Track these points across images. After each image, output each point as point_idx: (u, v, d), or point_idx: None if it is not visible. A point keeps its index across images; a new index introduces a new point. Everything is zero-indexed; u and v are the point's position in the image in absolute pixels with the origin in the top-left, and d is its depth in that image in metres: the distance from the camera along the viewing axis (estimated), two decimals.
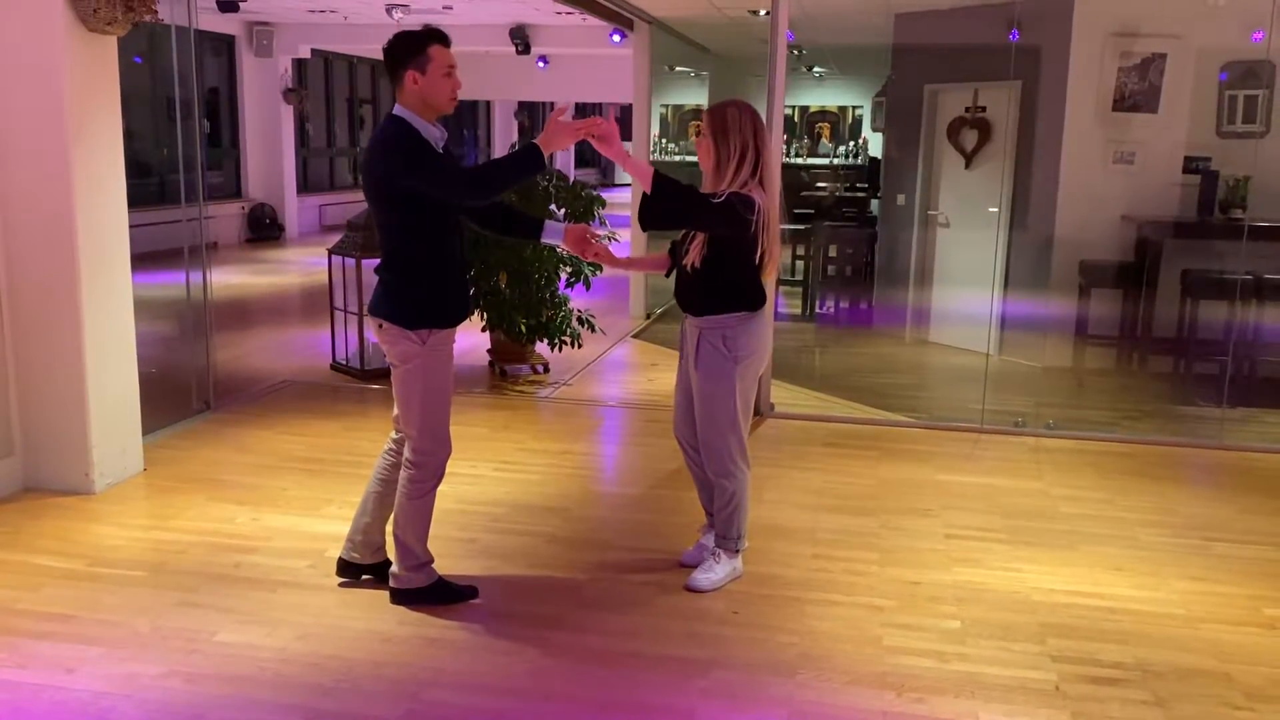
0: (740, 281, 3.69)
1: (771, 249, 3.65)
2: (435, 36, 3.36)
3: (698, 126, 3.49)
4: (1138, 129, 7.21)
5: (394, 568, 3.63)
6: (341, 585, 3.76)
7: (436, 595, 3.63)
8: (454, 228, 3.51)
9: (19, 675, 3.12)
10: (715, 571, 3.83)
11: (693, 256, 3.67)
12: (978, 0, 7.50)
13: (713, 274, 3.66)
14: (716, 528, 3.89)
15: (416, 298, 3.43)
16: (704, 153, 3.68)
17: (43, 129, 4.36)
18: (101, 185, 4.53)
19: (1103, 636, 3.51)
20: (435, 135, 3.39)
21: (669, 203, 3.55)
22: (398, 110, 3.38)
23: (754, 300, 3.71)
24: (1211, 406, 6.37)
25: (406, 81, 3.34)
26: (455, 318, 3.51)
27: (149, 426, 5.07)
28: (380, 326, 3.46)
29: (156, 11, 4.42)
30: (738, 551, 3.89)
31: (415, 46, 3.33)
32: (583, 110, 25.24)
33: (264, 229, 14.47)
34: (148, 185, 12.28)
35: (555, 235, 3.77)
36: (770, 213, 3.61)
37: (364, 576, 3.78)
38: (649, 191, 3.52)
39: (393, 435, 3.67)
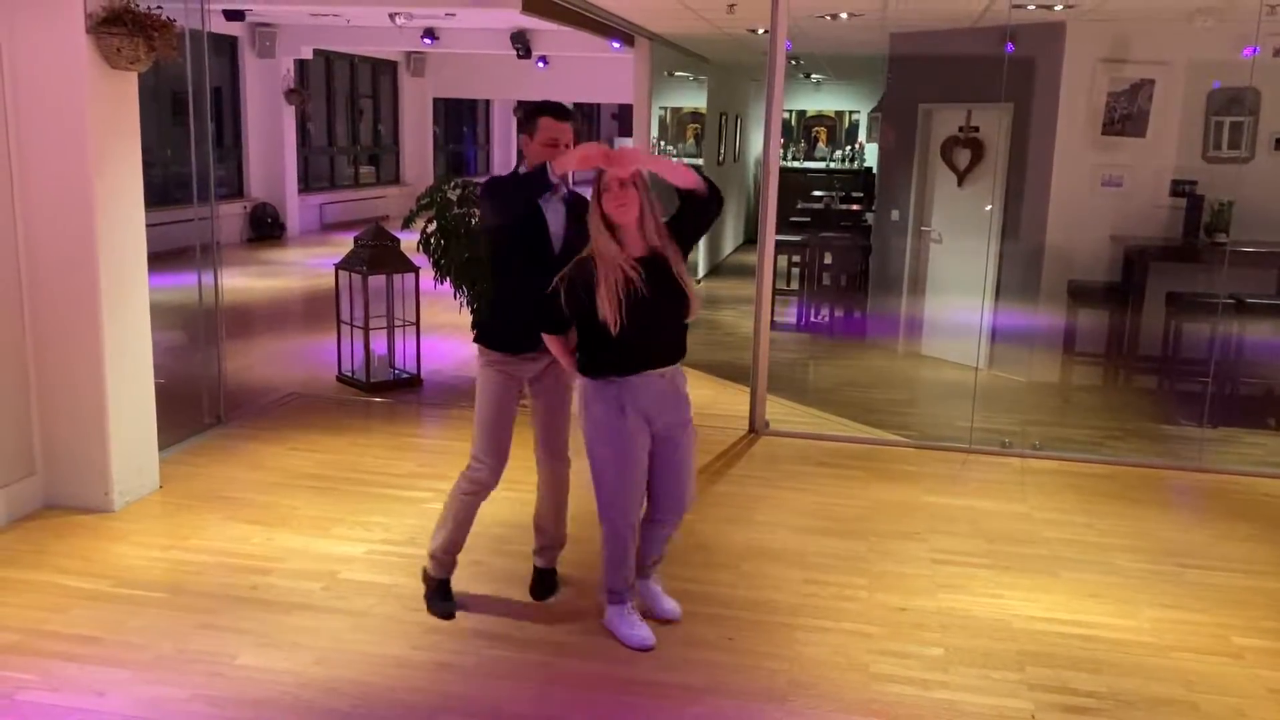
0: None
1: None
2: (547, 110, 3.76)
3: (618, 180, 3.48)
4: (1126, 152, 7.39)
5: None
6: (352, 610, 3.94)
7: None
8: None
9: (53, 698, 3.31)
10: None
11: (692, 290, 3.62)
12: (971, 23, 7.67)
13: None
14: (656, 559, 4.00)
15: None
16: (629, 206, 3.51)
17: (66, 161, 4.52)
18: (122, 215, 4.70)
19: (1077, 665, 3.70)
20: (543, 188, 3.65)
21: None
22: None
23: None
24: (1192, 426, 6.57)
25: (522, 142, 3.82)
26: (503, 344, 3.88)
27: (163, 442, 5.23)
28: None
29: (178, 49, 4.57)
30: None
31: (530, 115, 3.78)
32: (580, 109, 25.35)
33: (265, 228, 14.62)
34: (150, 181, 12.36)
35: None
36: None
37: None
38: (701, 187, 3.57)
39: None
